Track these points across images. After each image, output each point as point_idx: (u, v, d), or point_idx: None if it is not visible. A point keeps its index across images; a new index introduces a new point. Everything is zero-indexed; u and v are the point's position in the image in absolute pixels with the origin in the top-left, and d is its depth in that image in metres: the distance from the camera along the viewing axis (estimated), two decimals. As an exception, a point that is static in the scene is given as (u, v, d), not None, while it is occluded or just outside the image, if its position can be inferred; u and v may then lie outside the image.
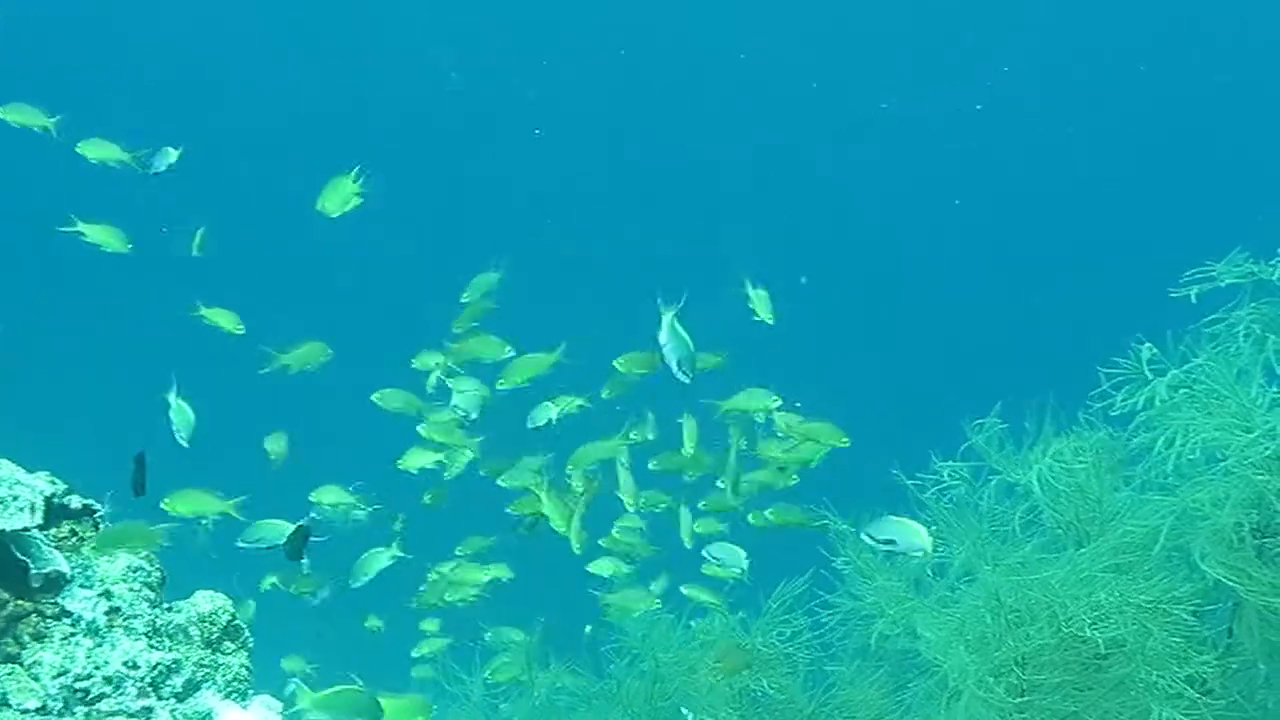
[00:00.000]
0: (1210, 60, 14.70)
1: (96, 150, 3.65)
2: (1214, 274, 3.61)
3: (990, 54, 15.41)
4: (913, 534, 3.30)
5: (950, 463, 3.99)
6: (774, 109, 15.57)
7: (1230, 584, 3.53)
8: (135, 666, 2.88)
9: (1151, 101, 15.03)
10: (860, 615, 4.01)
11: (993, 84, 15.59)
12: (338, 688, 2.71)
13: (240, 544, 3.30)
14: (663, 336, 3.23)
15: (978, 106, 15.52)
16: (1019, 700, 3.54)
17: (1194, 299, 3.64)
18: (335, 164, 3.61)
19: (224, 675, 3.10)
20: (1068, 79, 15.40)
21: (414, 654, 4.52)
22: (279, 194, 14.17)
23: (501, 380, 3.65)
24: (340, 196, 3.62)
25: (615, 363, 3.66)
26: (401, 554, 3.87)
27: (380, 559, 3.88)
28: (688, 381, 3.24)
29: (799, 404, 3.44)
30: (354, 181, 3.63)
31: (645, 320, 3.25)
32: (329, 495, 3.88)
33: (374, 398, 3.86)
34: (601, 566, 4.03)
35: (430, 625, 4.53)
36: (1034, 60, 15.33)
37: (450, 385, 3.75)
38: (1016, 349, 12.35)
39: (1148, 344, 3.72)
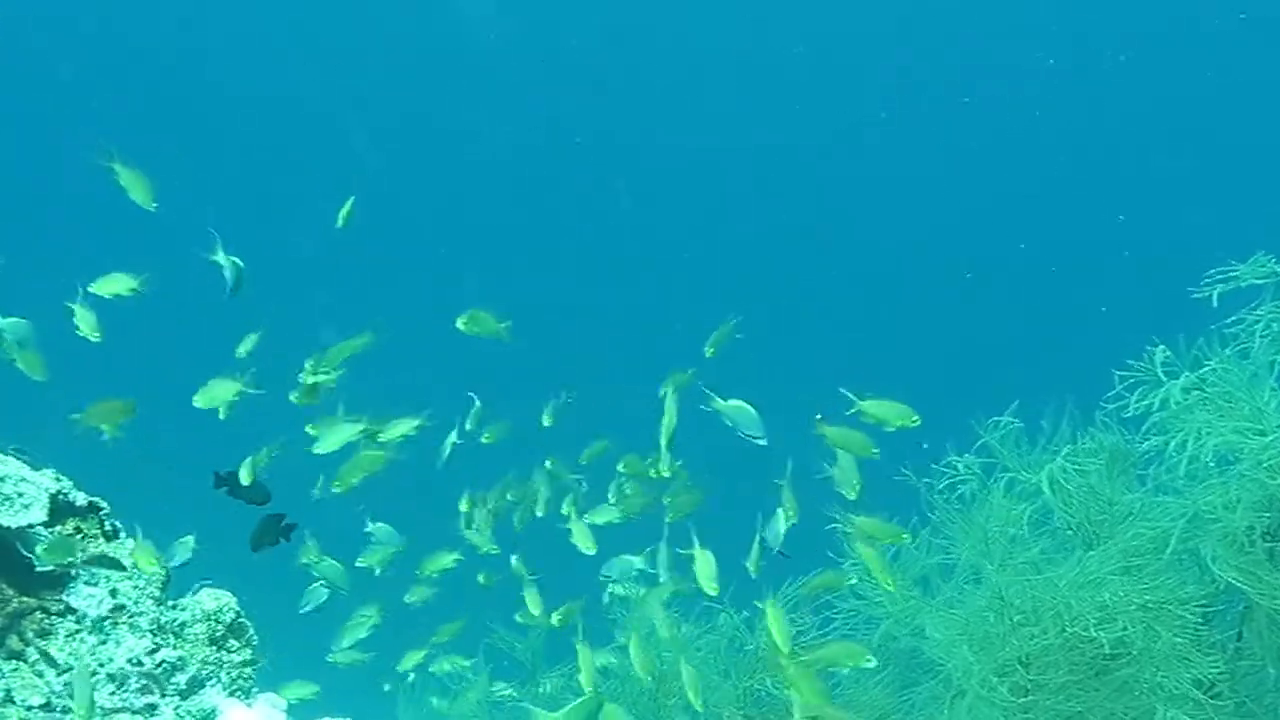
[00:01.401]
0: (1234, 59, 14.67)
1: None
2: (1237, 274, 3.65)
3: (1014, 50, 15.42)
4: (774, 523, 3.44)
5: (962, 458, 4.04)
6: (781, 107, 15.63)
7: (1241, 587, 3.58)
8: (139, 663, 2.93)
9: (1177, 101, 15.02)
10: (866, 616, 4.08)
11: (1015, 80, 15.60)
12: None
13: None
14: (728, 421, 3.42)
15: (967, 99, 15.54)
16: (1023, 700, 3.60)
17: (1215, 300, 3.69)
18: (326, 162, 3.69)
19: (229, 673, 3.16)
20: (1092, 75, 15.41)
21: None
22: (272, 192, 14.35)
23: (337, 483, 3.53)
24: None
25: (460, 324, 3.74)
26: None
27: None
28: (763, 443, 3.40)
29: (819, 416, 3.49)
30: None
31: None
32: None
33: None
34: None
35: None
36: (1057, 56, 15.34)
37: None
38: (1036, 350, 12.39)
39: (1161, 346, 3.77)
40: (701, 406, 3.44)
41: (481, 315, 3.74)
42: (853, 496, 3.45)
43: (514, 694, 4.51)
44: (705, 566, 3.26)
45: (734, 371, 3.70)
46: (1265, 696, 3.72)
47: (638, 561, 4.01)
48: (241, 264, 3.53)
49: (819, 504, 3.85)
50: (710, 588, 3.28)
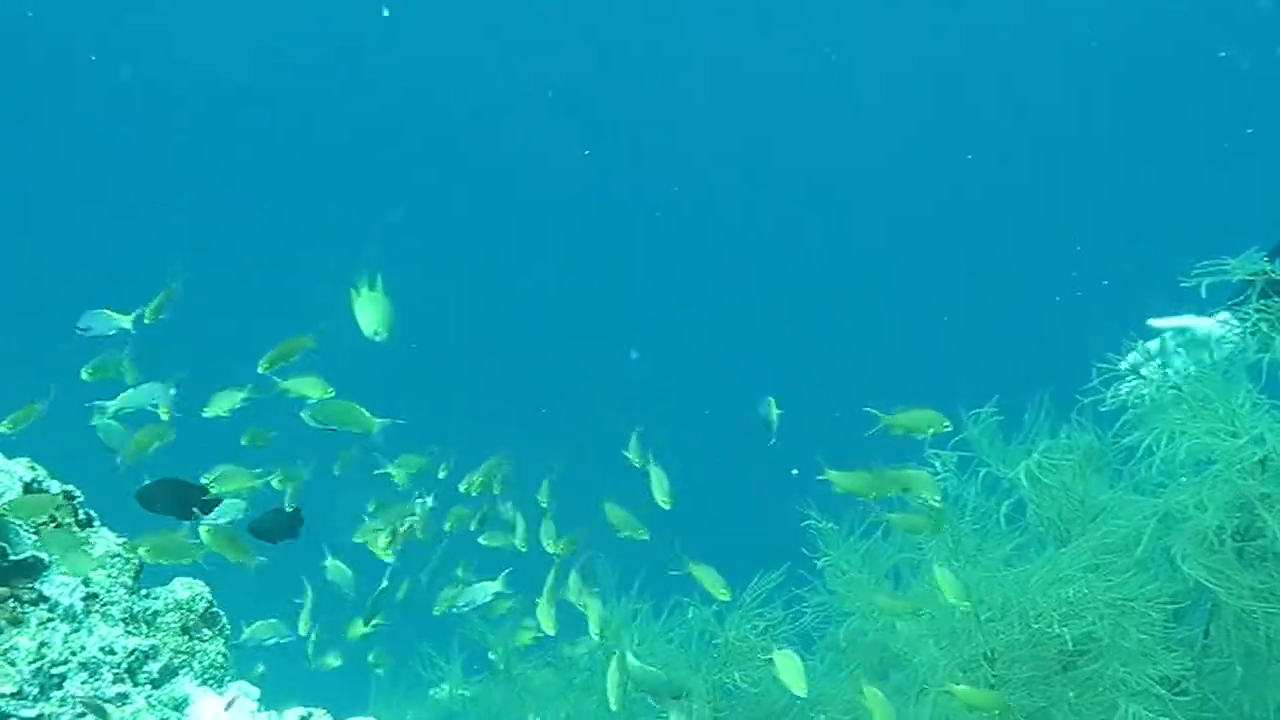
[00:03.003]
0: (1229, 49, 14.70)
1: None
2: (1226, 269, 3.70)
3: (1001, 42, 15.45)
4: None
5: (939, 452, 4.11)
6: (775, 102, 15.67)
7: (1210, 586, 3.67)
8: (112, 652, 2.98)
9: (1163, 93, 15.06)
10: (837, 611, 4.17)
11: (1000, 70, 15.63)
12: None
13: None
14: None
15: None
16: (987, 695, 3.68)
17: (1204, 293, 3.74)
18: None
19: (201, 662, 3.22)
20: (1077, 66, 15.44)
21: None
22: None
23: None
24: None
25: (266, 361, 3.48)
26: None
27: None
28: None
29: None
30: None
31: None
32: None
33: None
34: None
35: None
36: (1043, 47, 15.37)
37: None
38: (1019, 344, 12.47)
39: (1141, 341, 3.84)
40: None
41: (106, 363, 3.50)
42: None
43: (469, 694, 4.62)
44: (790, 667, 3.27)
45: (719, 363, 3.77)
46: (1231, 694, 3.82)
47: (493, 586, 4.12)
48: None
49: (793, 502, 3.95)
50: (799, 689, 3.28)
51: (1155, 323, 3.72)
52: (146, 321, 3.52)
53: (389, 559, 3.86)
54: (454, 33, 15.61)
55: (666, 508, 3.73)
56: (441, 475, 4.03)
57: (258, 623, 4.09)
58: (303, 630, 4.11)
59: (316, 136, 15.16)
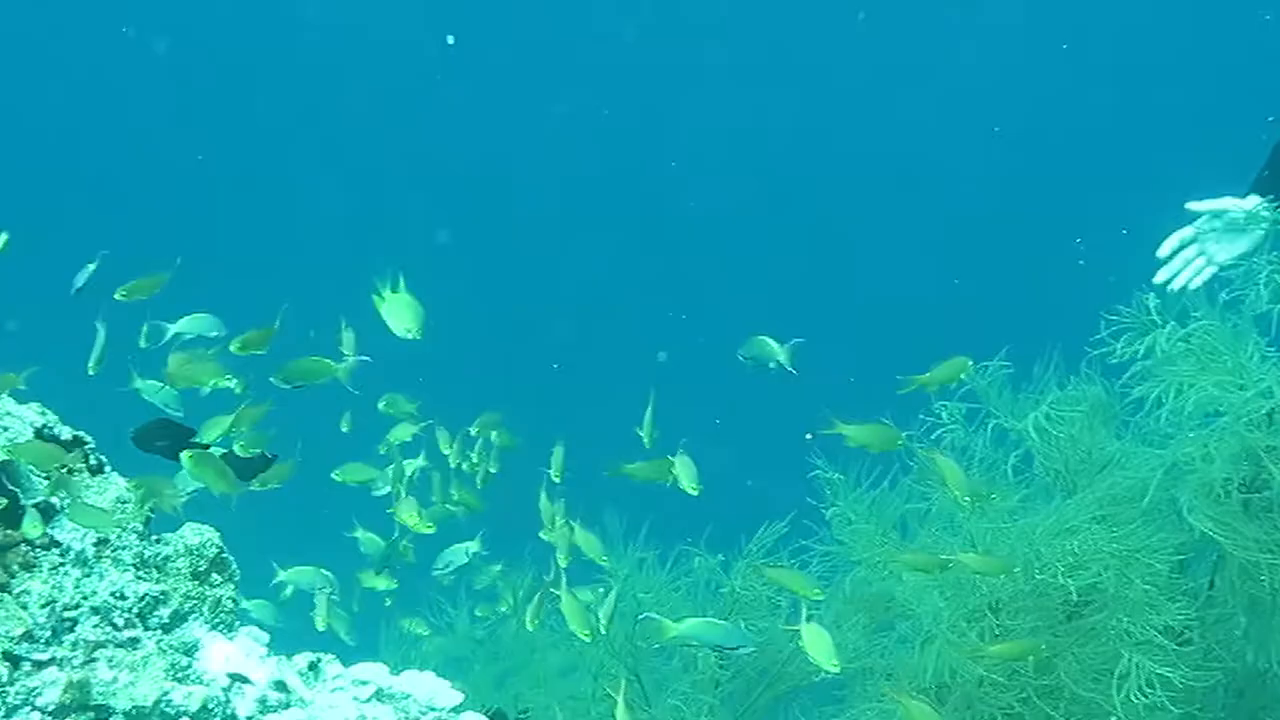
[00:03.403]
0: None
1: None
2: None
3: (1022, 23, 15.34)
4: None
5: (947, 404, 4.12)
6: (768, 84, 15.59)
7: (1216, 537, 3.69)
8: (123, 597, 2.99)
9: (1175, 35, 14.93)
10: (844, 560, 4.20)
11: (1017, 19, 15.51)
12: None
13: None
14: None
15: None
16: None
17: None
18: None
19: (211, 607, 3.24)
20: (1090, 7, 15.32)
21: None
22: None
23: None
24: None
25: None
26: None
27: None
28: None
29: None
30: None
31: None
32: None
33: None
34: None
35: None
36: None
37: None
38: (1028, 296, 12.43)
39: (1152, 293, 3.82)
40: None
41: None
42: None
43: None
44: (820, 642, 3.15)
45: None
46: (1234, 644, 3.85)
47: (471, 546, 4.12)
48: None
49: (802, 454, 3.96)
50: (830, 665, 3.16)
51: (1193, 205, 3.64)
52: (118, 297, 3.47)
53: (429, 530, 3.86)
54: (471, 37, 15.53)
55: (694, 494, 3.68)
56: (445, 450, 4.02)
57: (296, 568, 4.09)
58: (320, 626, 4.10)
59: (335, 141, 15.12)
